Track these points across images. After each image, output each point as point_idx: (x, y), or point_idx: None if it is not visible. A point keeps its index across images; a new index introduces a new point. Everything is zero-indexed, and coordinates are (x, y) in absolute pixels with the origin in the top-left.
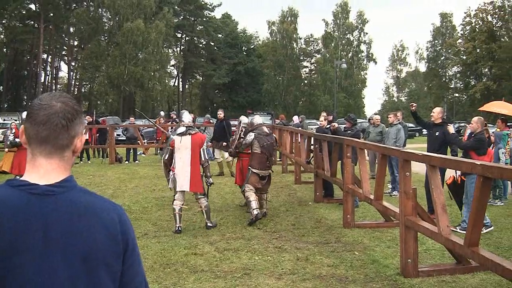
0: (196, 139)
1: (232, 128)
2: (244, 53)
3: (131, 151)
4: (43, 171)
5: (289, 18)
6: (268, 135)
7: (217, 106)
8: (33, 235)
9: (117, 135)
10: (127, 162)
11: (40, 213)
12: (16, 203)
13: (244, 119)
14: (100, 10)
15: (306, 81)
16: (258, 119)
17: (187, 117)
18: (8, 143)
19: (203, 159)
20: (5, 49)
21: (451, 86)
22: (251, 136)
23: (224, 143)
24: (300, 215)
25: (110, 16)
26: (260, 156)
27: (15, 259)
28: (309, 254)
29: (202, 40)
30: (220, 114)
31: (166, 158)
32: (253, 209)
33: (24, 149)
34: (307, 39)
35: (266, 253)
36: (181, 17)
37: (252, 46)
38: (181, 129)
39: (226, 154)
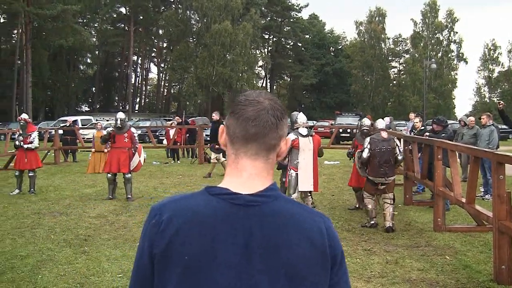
0: (316, 140)
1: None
2: (332, 53)
3: None
4: (246, 175)
5: (377, 18)
6: (385, 140)
7: (305, 107)
8: (234, 249)
9: (206, 135)
10: None
11: (242, 225)
12: (217, 214)
13: (366, 121)
14: (188, 12)
15: (394, 82)
16: (380, 123)
17: (303, 118)
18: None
19: None
20: (97, 52)
21: None
22: (367, 141)
23: (217, 146)
24: None
25: (198, 18)
26: (372, 162)
27: (212, 274)
28: (399, 257)
29: (290, 41)
30: (214, 116)
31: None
32: (371, 217)
33: (116, 147)
34: (396, 39)
35: (355, 255)
36: (268, 18)
37: (340, 47)
38: (303, 130)
39: (213, 155)
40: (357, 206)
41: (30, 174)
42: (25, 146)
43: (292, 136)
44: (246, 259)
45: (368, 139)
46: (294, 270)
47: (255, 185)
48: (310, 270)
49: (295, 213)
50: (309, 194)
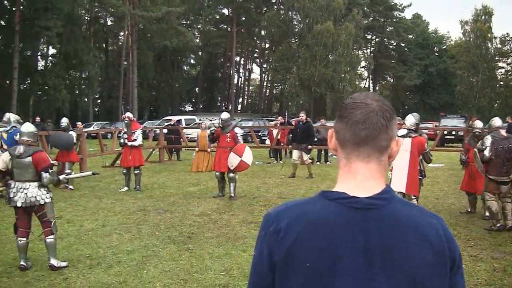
0: (415, 142)
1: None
2: (436, 54)
3: (322, 152)
4: (360, 178)
5: (483, 17)
6: (505, 138)
7: (408, 108)
8: (354, 254)
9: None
10: (318, 163)
11: (361, 229)
12: (335, 219)
13: (478, 124)
14: (290, 13)
15: (502, 83)
16: (497, 121)
17: (410, 120)
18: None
19: None
20: (200, 53)
21: None
22: (488, 140)
23: (310, 146)
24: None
25: (300, 19)
26: (494, 161)
27: (334, 280)
28: (507, 265)
29: (393, 41)
30: (303, 116)
31: None
32: (497, 220)
33: (219, 147)
34: (503, 38)
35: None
36: (371, 18)
37: (444, 47)
38: (403, 131)
39: (306, 156)
40: (469, 210)
41: (135, 172)
42: (129, 143)
43: None
44: (365, 263)
45: (489, 137)
46: (413, 273)
47: (371, 187)
48: (429, 274)
49: (412, 215)
50: (414, 197)
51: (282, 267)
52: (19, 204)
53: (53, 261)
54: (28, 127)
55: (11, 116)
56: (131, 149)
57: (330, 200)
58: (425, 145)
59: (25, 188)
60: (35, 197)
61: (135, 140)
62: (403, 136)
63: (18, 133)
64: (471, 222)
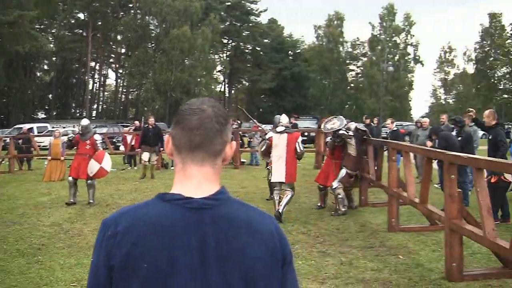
0: (293, 137)
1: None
2: (290, 57)
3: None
4: (196, 181)
5: (335, 22)
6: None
7: (263, 111)
8: (190, 254)
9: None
10: (172, 167)
11: (197, 229)
12: (170, 220)
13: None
14: (147, 17)
15: (352, 85)
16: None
17: (285, 119)
18: None
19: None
20: (54, 58)
21: (500, 88)
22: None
23: (161, 148)
24: (345, 219)
25: (157, 23)
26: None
27: (172, 280)
28: (353, 258)
29: (248, 46)
30: (152, 120)
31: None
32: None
33: (78, 154)
34: (354, 43)
35: (310, 257)
36: (227, 23)
37: (298, 51)
38: (279, 128)
39: (155, 158)
40: (319, 205)
41: None
42: None
43: (268, 134)
44: (201, 263)
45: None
46: (248, 271)
47: (205, 190)
48: (263, 271)
49: (247, 215)
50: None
51: (120, 270)
52: None
53: None
54: None
55: None
56: None
57: (165, 202)
58: (299, 139)
59: None
60: None
61: None
62: (280, 133)
63: None
64: (321, 219)
